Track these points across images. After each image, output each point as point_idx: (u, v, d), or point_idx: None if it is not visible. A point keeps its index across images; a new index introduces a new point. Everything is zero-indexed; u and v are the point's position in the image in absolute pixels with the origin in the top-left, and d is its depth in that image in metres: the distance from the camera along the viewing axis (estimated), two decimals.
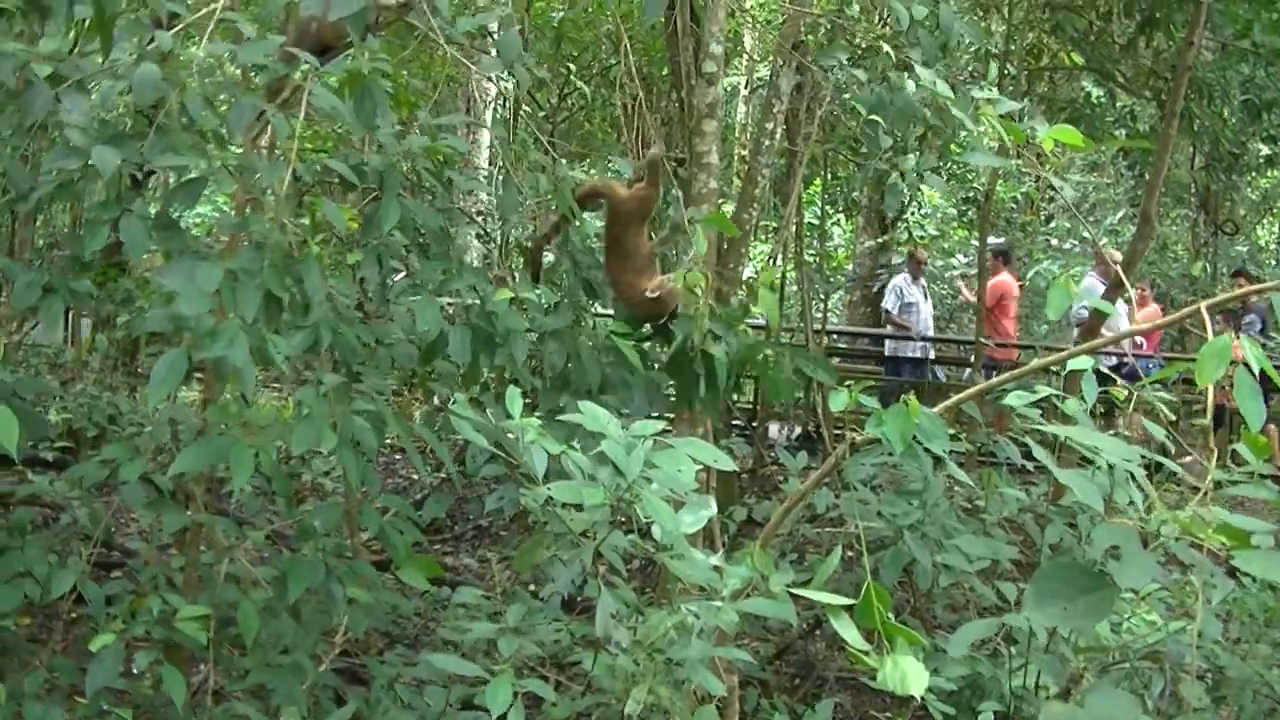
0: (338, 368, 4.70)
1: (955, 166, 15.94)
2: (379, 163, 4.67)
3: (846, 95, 6.17)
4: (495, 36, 5.19)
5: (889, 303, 14.77)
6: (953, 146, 4.71)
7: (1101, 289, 14.07)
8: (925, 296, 14.96)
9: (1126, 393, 4.08)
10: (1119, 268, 7.33)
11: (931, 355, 15.17)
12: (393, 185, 4.67)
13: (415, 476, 11.18)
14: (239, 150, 4.49)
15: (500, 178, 5.12)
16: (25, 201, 4.34)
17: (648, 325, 5.63)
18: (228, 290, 3.80)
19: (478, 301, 4.78)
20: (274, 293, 3.94)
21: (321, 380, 4.47)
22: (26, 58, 3.95)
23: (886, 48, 5.67)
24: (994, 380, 4.09)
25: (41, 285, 4.33)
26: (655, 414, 4.88)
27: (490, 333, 4.71)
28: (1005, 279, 14.57)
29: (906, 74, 5.43)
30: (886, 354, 14.89)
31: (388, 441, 6.38)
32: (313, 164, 4.82)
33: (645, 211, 5.63)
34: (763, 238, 19.00)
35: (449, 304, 4.84)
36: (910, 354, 14.65)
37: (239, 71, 4.54)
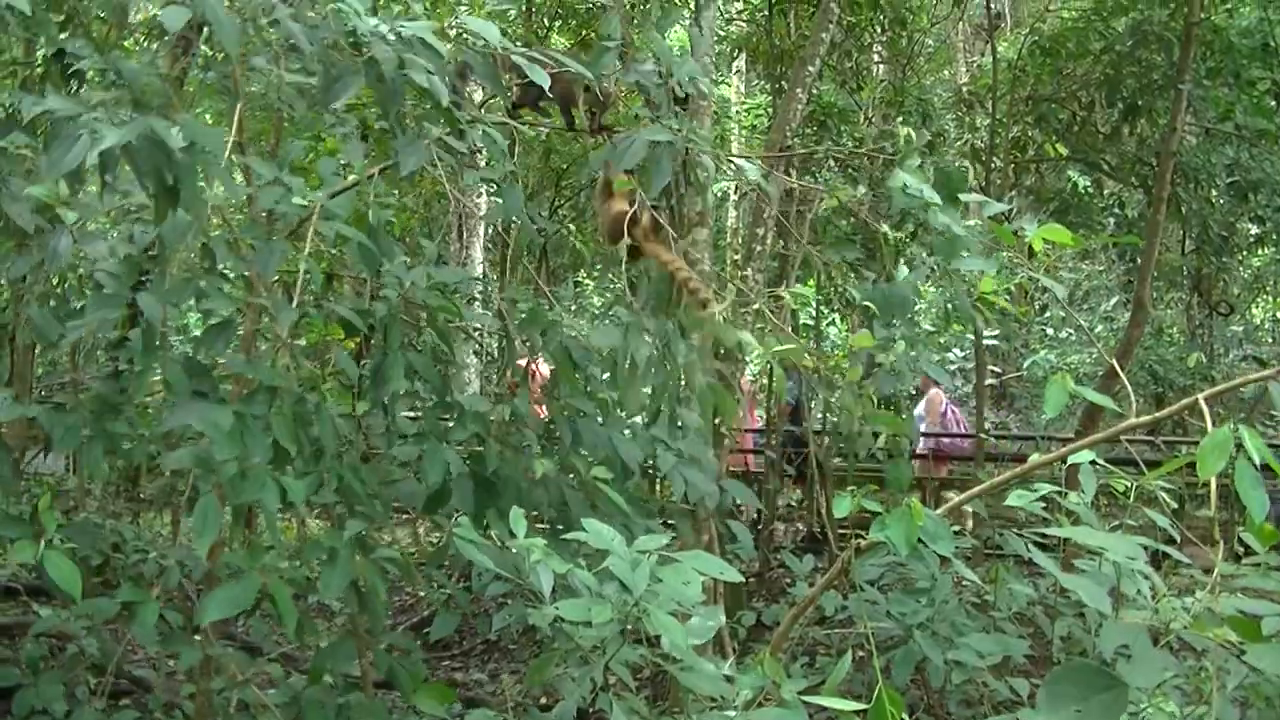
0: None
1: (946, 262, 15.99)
2: (383, 312, 4.65)
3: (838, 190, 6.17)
4: (484, 151, 5.20)
5: None
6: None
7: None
8: None
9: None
10: (1114, 360, 7.35)
11: None
12: (395, 340, 4.65)
13: (421, 594, 11.13)
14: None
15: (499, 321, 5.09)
16: (56, 349, 4.35)
17: None
18: (235, 434, 3.80)
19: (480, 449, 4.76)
20: (282, 441, 3.94)
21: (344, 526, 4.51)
22: (48, 200, 3.98)
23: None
24: (999, 479, 4.10)
25: (80, 429, 4.33)
26: None
27: (493, 482, 4.69)
28: None
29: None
30: None
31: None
32: (319, 303, 4.80)
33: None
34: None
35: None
36: None
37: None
